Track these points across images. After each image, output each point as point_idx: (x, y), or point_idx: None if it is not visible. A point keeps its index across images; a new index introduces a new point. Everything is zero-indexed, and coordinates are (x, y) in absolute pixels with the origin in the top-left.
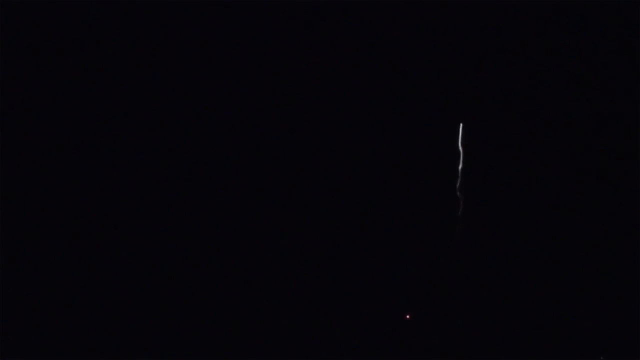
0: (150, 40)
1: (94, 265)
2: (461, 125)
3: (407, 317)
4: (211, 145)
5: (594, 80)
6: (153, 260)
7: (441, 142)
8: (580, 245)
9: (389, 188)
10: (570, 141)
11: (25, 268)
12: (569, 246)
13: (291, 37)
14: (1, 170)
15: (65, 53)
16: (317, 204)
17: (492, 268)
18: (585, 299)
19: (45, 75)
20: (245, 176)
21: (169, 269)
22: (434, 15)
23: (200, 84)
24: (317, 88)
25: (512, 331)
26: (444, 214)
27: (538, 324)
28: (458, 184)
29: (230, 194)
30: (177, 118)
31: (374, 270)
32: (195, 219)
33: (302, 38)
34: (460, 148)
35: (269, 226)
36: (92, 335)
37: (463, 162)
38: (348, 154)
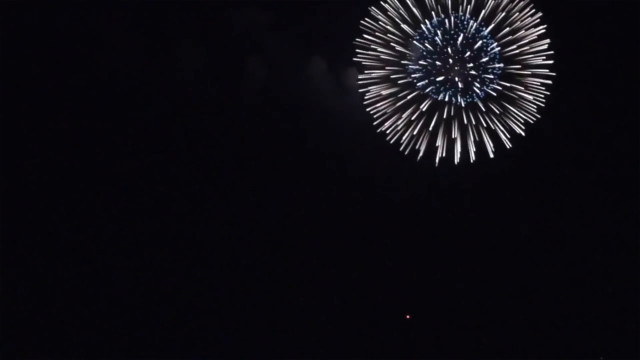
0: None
1: (94, 266)
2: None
3: (407, 317)
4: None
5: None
6: (151, 262)
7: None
8: (580, 245)
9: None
10: (570, 140)
11: (24, 268)
12: (569, 246)
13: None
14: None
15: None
16: (316, 202)
17: (491, 268)
18: (585, 299)
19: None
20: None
21: (167, 271)
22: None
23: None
24: None
25: (512, 331)
26: (443, 214)
27: (538, 324)
28: None
29: (231, 192)
30: (177, 119)
31: (373, 270)
32: (195, 218)
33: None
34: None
35: (267, 225)
36: (91, 336)
37: (460, 161)
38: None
